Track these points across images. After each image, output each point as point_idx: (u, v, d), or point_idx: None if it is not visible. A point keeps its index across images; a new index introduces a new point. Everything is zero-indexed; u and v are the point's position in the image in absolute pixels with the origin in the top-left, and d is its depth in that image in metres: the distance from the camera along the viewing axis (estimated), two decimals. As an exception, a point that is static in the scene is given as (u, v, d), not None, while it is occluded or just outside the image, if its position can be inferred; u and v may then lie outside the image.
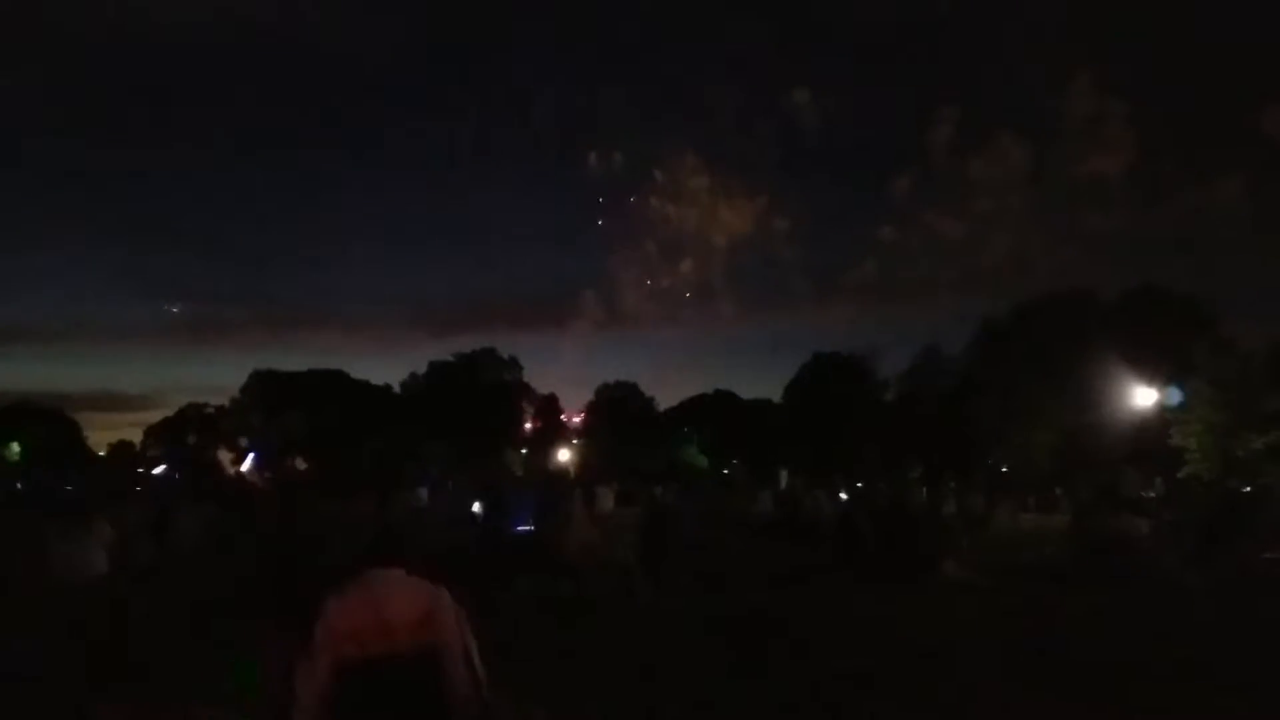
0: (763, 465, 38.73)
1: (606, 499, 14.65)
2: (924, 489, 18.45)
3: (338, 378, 56.66)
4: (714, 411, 57.73)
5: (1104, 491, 21.46)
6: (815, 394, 50.68)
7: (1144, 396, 32.86)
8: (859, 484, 25.33)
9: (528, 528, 15.19)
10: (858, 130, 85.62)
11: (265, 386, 56.08)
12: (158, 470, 42.06)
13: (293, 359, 62.97)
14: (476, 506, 18.34)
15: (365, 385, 57.39)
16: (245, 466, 51.05)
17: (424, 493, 21.99)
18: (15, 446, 49.65)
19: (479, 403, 53.37)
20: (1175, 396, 32.29)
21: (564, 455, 52.48)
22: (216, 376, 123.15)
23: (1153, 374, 33.16)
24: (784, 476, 22.06)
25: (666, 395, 62.61)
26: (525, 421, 58.71)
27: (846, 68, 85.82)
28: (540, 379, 60.38)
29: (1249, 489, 25.93)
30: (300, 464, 51.64)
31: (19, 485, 35.90)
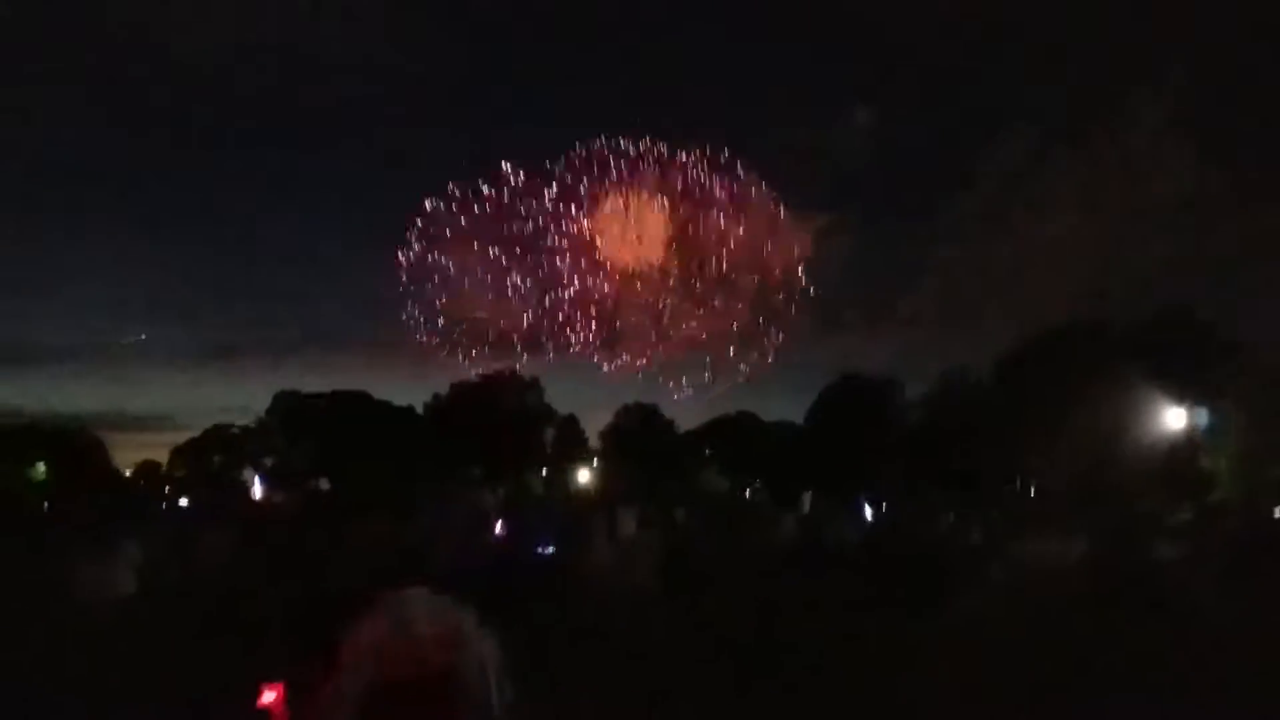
0: (785, 488, 38.55)
1: (628, 522, 14.61)
2: (948, 514, 18.27)
3: (360, 399, 56.94)
4: (735, 433, 57.55)
5: (1131, 518, 21.20)
6: (838, 416, 50.46)
7: (1173, 420, 32.54)
8: (882, 508, 25.14)
9: (549, 549, 15.20)
10: (909, 153, 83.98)
11: (289, 407, 56.44)
12: (183, 501, 42.39)
13: (315, 380, 63.17)
14: (499, 528, 18.36)
15: (387, 406, 57.63)
16: (257, 491, 51.39)
17: (445, 514, 22.02)
18: (41, 467, 50.08)
19: (500, 424, 53.48)
20: (1203, 419, 31.97)
21: (584, 476, 52.40)
22: (241, 397, 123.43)
23: (1180, 398, 32.85)
24: (807, 500, 21.92)
25: (688, 418, 62.29)
26: (545, 443, 58.74)
27: (900, 89, 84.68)
28: (561, 400, 60.40)
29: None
30: (323, 484, 51.86)
31: (46, 505, 36.25)
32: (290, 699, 4.69)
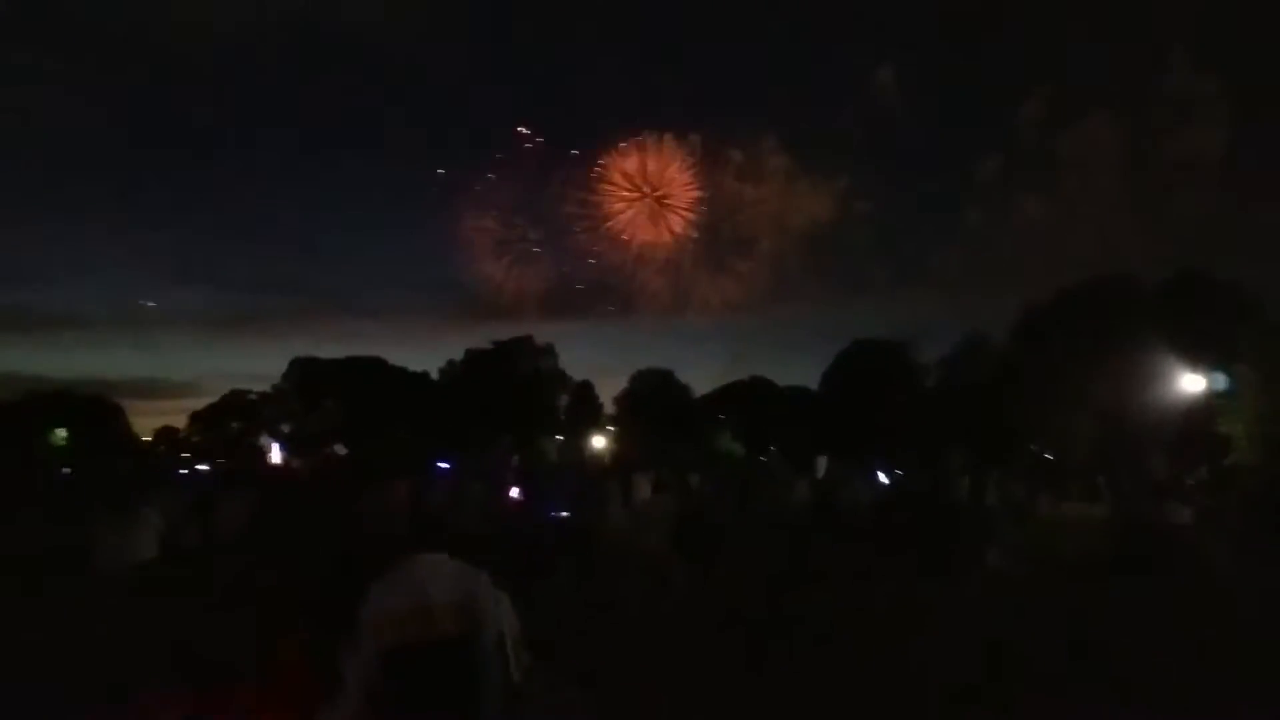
0: (799, 453, 38.55)
1: (644, 487, 14.65)
2: (965, 478, 18.22)
3: (376, 365, 57.16)
4: (750, 399, 57.50)
5: (1148, 480, 21.14)
6: (853, 380, 50.31)
7: (1190, 383, 32.30)
8: (899, 472, 25.11)
9: (564, 514, 15.28)
10: (941, 111, 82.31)
11: (305, 374, 56.74)
12: (202, 467, 42.77)
13: (332, 346, 63.45)
14: (515, 492, 18.45)
15: (403, 372, 57.85)
16: (275, 455, 51.85)
17: (460, 479, 22.15)
18: (61, 433, 50.55)
19: (515, 390, 53.61)
20: (1221, 383, 31.71)
21: (599, 442, 52.56)
22: (258, 364, 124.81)
23: (1198, 360, 32.57)
24: (822, 464, 21.86)
25: (703, 382, 62.31)
26: (560, 408, 58.87)
27: (930, 45, 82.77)
28: (575, 366, 60.46)
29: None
30: (339, 450, 52.23)
31: (66, 471, 36.59)
32: (310, 662, 4.77)
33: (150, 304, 68.63)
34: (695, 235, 57.09)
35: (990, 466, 27.11)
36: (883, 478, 21.10)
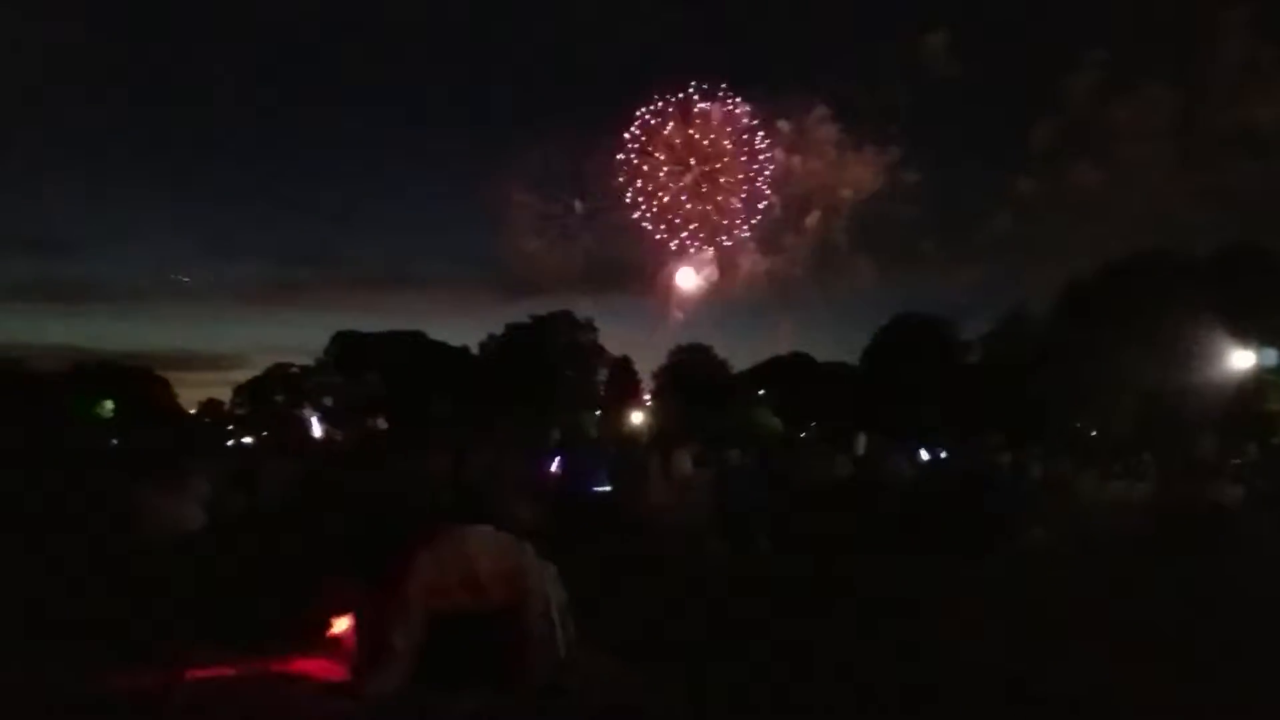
0: (839, 429, 38.39)
1: (684, 461, 14.64)
2: (1006, 454, 18.02)
3: (416, 339, 57.72)
4: (789, 374, 57.36)
5: (1194, 457, 20.77)
6: (893, 357, 49.99)
7: (1239, 359, 31.69)
8: (939, 448, 24.89)
9: (604, 488, 15.34)
10: (991, 77, 79.95)
11: (346, 347, 57.45)
12: (246, 439, 43.55)
13: (373, 320, 64.10)
14: (554, 466, 18.54)
15: (443, 346, 58.35)
16: (316, 428, 52.61)
17: (501, 452, 22.31)
18: (109, 404, 51.62)
19: (554, 364, 53.91)
20: (1272, 359, 31.10)
21: (637, 417, 52.75)
22: (300, 337, 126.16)
23: (1247, 336, 31.94)
24: (862, 440, 21.70)
25: (741, 358, 62.18)
26: (599, 383, 59.10)
27: (980, 9, 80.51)
28: (614, 341, 60.58)
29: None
30: (380, 423, 52.87)
31: (114, 442, 37.31)
32: (358, 630, 4.84)
33: (184, 278, 69.47)
34: (741, 207, 56.35)
35: (1033, 443, 26.82)
36: (924, 454, 20.93)
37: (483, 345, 59.55)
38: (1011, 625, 6.42)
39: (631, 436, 43.35)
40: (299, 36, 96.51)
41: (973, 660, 5.51)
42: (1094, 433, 40.22)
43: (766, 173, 50.87)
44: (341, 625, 4.88)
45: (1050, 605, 7.21)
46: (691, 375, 56.83)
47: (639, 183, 50.37)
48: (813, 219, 59.12)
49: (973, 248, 69.25)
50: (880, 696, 4.90)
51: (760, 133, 50.29)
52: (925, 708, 4.83)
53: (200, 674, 4.55)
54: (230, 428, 53.19)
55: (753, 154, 50.59)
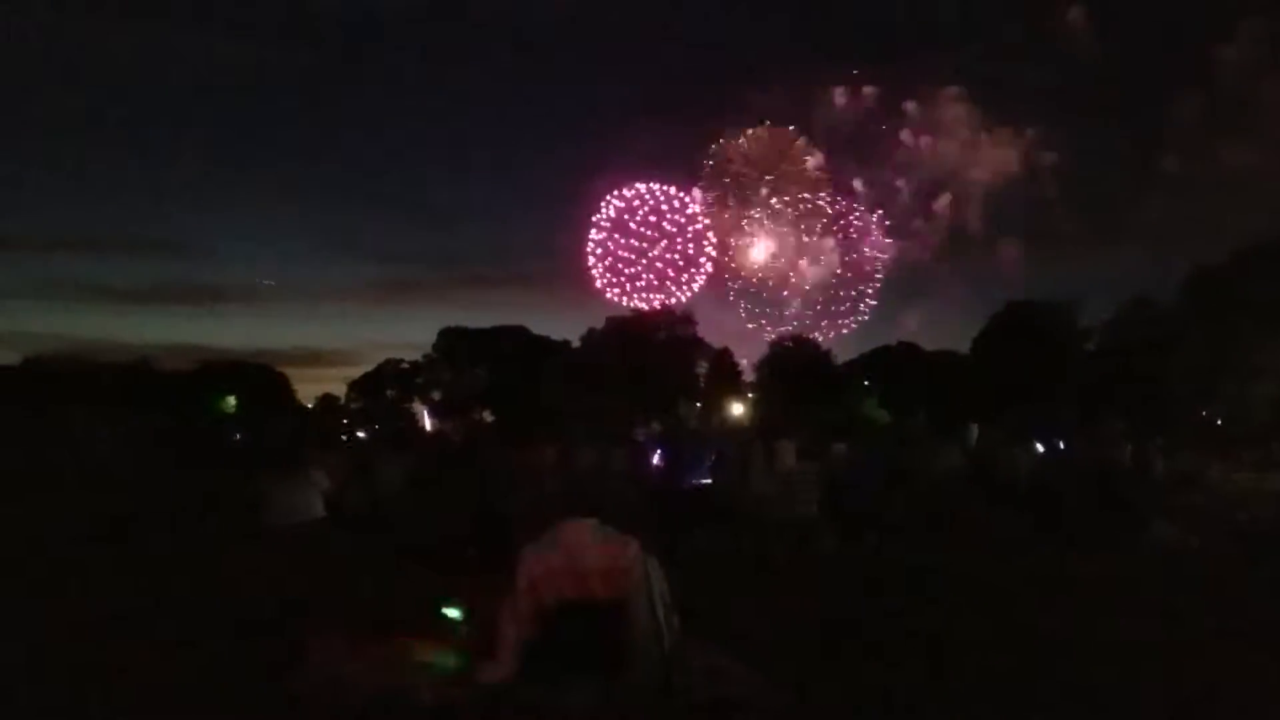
0: (948, 420, 37.49)
1: (788, 453, 14.50)
2: (1129, 446, 17.34)
3: (519, 333, 58.61)
4: (895, 364, 56.11)
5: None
6: (1006, 345, 48.36)
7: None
8: (1058, 440, 24.06)
9: (706, 481, 15.33)
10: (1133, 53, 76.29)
11: (453, 342, 58.73)
12: (360, 434, 45.09)
13: (478, 315, 65.57)
14: (656, 459, 18.62)
15: (546, 340, 59.08)
16: (426, 422, 54.02)
17: (605, 445, 22.52)
18: (232, 400, 53.96)
19: (654, 357, 53.96)
20: None
21: (738, 409, 52.37)
22: (411, 333, 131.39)
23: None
24: (974, 432, 21.15)
25: (845, 349, 61.12)
26: (699, 375, 58.89)
27: None
28: (714, 334, 60.27)
29: None
30: (486, 416, 53.92)
31: (238, 436, 39.00)
32: (471, 617, 4.97)
33: (269, 282, 72.77)
34: (864, 192, 55.56)
35: (1155, 434, 25.72)
36: (1039, 446, 20.25)
37: (584, 338, 60.04)
38: (1135, 623, 6.19)
39: (733, 428, 43.17)
40: (416, 46, 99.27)
41: (1114, 662, 5.33)
42: (1219, 422, 38.28)
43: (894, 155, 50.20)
44: (454, 615, 5.01)
45: (1186, 605, 6.92)
46: (795, 366, 56.11)
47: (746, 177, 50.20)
48: (942, 202, 57.73)
49: (1107, 231, 66.37)
50: (997, 696, 4.79)
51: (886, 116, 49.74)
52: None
53: (321, 659, 4.72)
54: (345, 421, 55.00)
55: (880, 135, 49.93)
